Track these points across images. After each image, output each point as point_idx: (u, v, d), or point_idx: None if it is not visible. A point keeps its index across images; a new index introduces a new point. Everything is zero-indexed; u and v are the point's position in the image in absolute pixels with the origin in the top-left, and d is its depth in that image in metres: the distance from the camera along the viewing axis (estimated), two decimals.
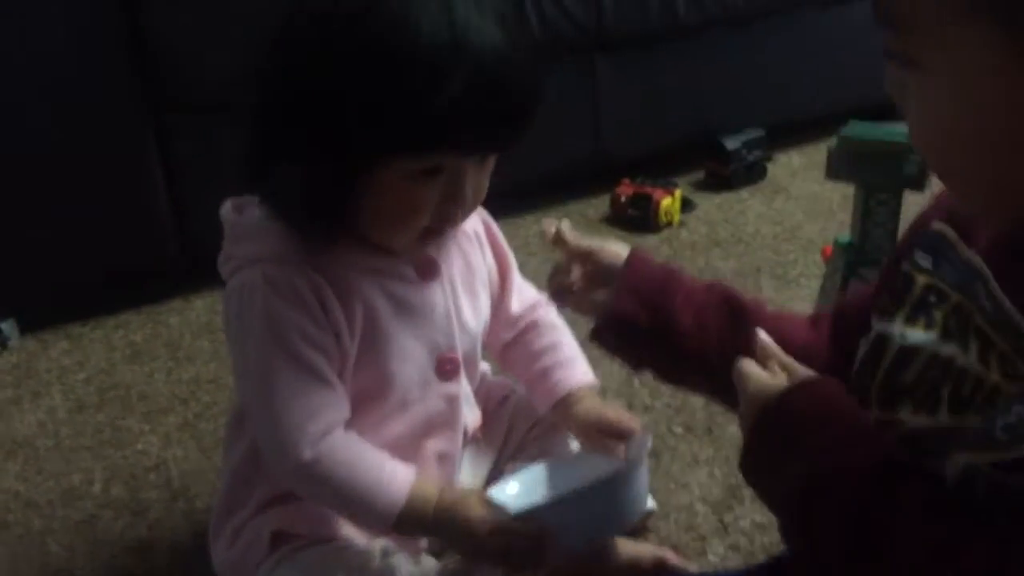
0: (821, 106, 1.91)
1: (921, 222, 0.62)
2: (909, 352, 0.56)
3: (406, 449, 0.84)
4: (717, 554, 0.95)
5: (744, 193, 1.78)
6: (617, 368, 1.24)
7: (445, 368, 0.85)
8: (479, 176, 0.78)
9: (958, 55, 0.47)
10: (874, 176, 1.14)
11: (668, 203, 1.65)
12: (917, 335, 0.56)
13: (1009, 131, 0.47)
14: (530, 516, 0.77)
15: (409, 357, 0.83)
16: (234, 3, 1.38)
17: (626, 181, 1.70)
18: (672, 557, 0.88)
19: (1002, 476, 0.48)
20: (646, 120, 1.78)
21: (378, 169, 0.72)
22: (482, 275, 0.90)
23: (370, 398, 0.82)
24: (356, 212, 0.76)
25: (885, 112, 2.09)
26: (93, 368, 1.35)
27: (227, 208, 0.85)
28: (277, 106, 0.74)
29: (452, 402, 0.86)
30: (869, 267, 1.18)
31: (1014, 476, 0.48)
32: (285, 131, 0.73)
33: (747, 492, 1.03)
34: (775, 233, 1.63)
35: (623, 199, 1.67)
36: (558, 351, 0.93)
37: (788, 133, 1.91)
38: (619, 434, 0.86)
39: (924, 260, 0.58)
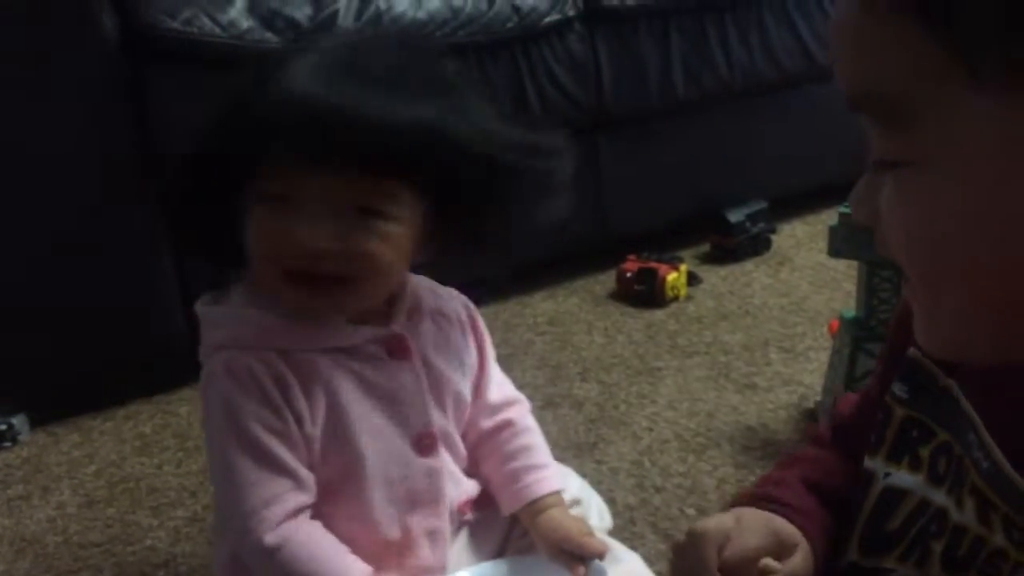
0: (822, 177, 1.93)
1: (896, 342, 0.58)
2: (895, 493, 0.53)
3: (393, 527, 0.84)
4: None
5: (749, 265, 1.79)
6: (628, 448, 1.24)
7: (422, 444, 0.85)
8: (341, 221, 0.76)
9: (959, 133, 0.39)
10: (875, 253, 1.14)
11: (674, 277, 1.66)
12: (902, 476, 0.53)
13: (1017, 232, 0.39)
14: None
15: (380, 436, 0.83)
16: None
17: (631, 257, 1.71)
18: None
19: None
20: (649, 196, 1.80)
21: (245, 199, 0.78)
22: (465, 357, 0.91)
23: (347, 479, 0.82)
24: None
25: None
26: (103, 461, 1.35)
27: (201, 301, 0.87)
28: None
29: (433, 477, 0.86)
30: (875, 343, 1.17)
31: None
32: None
33: None
34: (782, 305, 1.63)
35: (629, 275, 1.68)
36: (531, 455, 0.93)
37: (791, 204, 1.93)
38: (581, 553, 0.85)
39: (901, 390, 0.55)
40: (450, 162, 0.77)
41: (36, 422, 1.43)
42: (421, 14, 1.49)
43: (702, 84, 1.76)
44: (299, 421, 0.80)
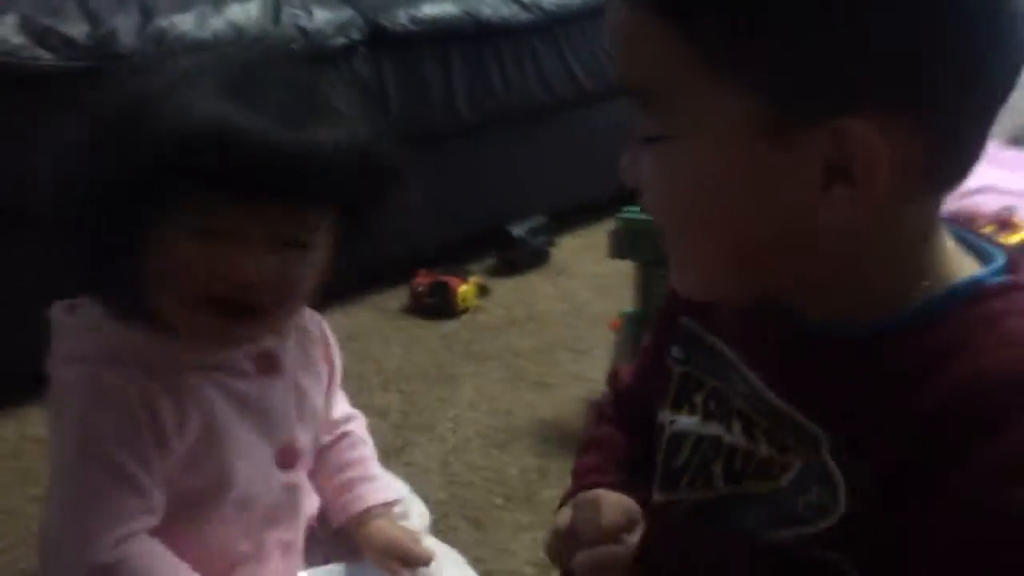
0: (593, 193, 2.10)
1: (668, 315, 0.67)
2: (678, 436, 0.62)
3: (248, 541, 0.84)
4: None
5: (532, 276, 1.90)
6: (435, 449, 1.30)
7: (285, 458, 0.86)
8: (278, 253, 0.76)
9: (710, 123, 0.48)
10: (652, 253, 1.27)
11: (464, 289, 1.74)
12: (683, 421, 0.62)
13: (750, 201, 0.48)
14: None
15: (250, 452, 0.83)
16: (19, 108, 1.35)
17: (422, 271, 1.77)
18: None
19: (808, 549, 0.51)
20: (437, 213, 1.87)
21: (164, 231, 0.74)
22: (322, 374, 0.92)
23: (209, 496, 0.81)
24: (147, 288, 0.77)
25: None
26: None
27: (57, 308, 0.84)
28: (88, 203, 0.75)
29: (292, 491, 0.87)
30: None
31: (813, 549, 0.51)
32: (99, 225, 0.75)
33: None
34: (564, 311, 1.75)
35: (421, 288, 1.74)
36: (364, 466, 0.95)
37: (565, 218, 2.07)
38: (408, 561, 0.89)
39: (678, 352, 0.64)
40: (376, 182, 0.79)
41: None
42: (205, 33, 1.49)
43: (483, 107, 1.86)
44: (163, 438, 0.78)
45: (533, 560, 1.08)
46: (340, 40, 1.65)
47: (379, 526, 0.92)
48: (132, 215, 0.73)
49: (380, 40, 1.71)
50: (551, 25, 1.94)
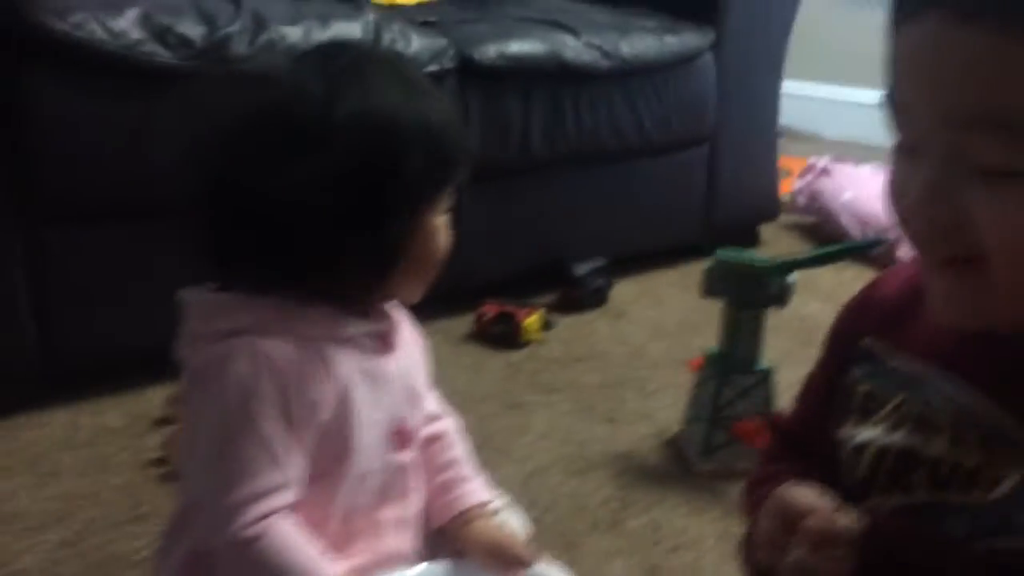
0: (652, 240, 2.13)
1: (841, 341, 0.71)
2: (859, 449, 0.64)
3: (363, 518, 0.86)
4: None
5: (591, 315, 1.92)
6: (513, 472, 1.30)
7: (399, 439, 0.88)
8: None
9: None
10: (743, 294, 1.30)
11: (530, 321, 1.75)
12: (866, 433, 0.64)
13: None
14: None
15: (373, 427, 0.85)
16: (120, 122, 1.37)
17: (488, 301, 1.79)
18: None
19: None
20: (502, 245, 1.90)
21: (425, 218, 0.82)
22: (421, 362, 0.95)
23: (334, 468, 0.83)
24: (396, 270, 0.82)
25: (698, 249, 2.35)
26: None
27: (191, 292, 0.85)
28: (291, 200, 0.77)
29: (403, 472, 0.89)
30: (739, 374, 1.32)
31: None
32: (305, 218, 0.77)
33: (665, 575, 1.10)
34: (626, 352, 1.77)
35: (487, 317, 1.75)
36: (462, 467, 0.97)
37: (622, 263, 2.09)
38: (512, 561, 0.90)
39: (861, 372, 0.67)
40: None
41: None
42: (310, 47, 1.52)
43: (556, 146, 1.89)
44: (311, 410, 0.80)
45: None
46: (433, 67, 1.68)
47: (482, 526, 0.93)
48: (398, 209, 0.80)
49: (469, 70, 1.75)
50: (627, 75, 1.98)
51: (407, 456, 0.89)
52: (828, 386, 0.73)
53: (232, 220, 0.80)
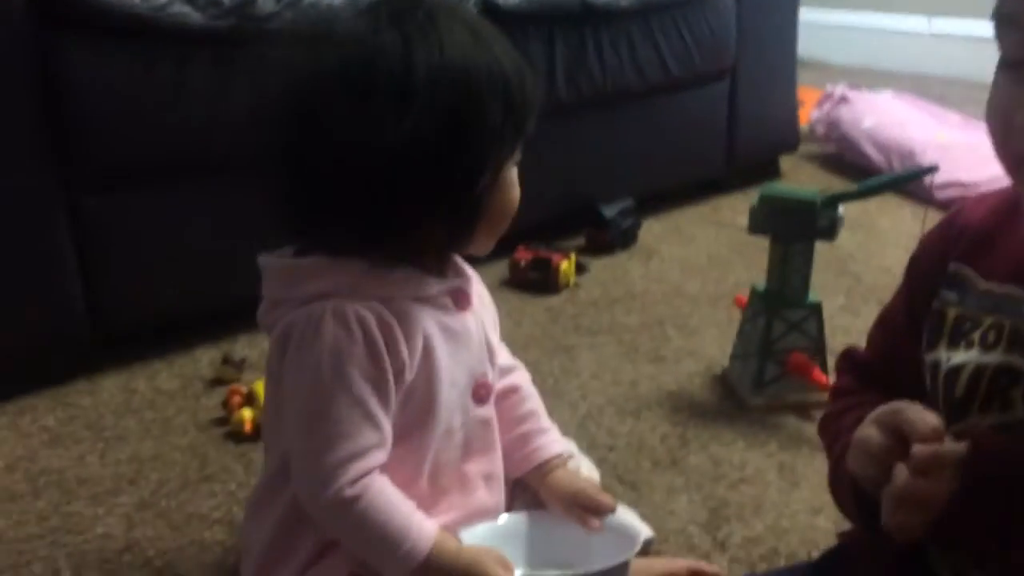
0: (678, 178, 2.13)
1: (931, 261, 0.73)
2: (954, 371, 0.66)
3: (451, 473, 0.88)
4: (721, 568, 1.03)
5: (622, 257, 1.93)
6: (569, 415, 1.32)
7: (480, 393, 0.90)
8: None
9: None
10: (793, 229, 1.30)
11: (566, 266, 1.76)
12: (959, 356, 0.66)
13: None
14: None
15: (455, 383, 0.87)
16: (155, 84, 1.36)
17: (521, 247, 1.79)
18: (706, 568, 0.95)
19: None
20: (531, 191, 1.89)
21: (500, 167, 0.83)
22: (493, 315, 0.96)
23: (420, 425, 0.85)
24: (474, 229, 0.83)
25: (718, 184, 2.35)
26: (10, 456, 1.24)
27: (273, 256, 0.86)
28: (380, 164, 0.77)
29: (486, 425, 0.91)
30: (788, 309, 1.33)
31: None
32: (404, 182, 0.78)
33: (729, 511, 1.13)
34: (662, 290, 1.78)
35: (523, 263, 1.76)
36: (539, 419, 0.99)
37: (649, 202, 2.09)
38: (595, 509, 0.92)
39: (950, 296, 0.69)
40: None
41: None
42: (337, 0, 1.50)
43: (580, 87, 1.88)
44: (399, 370, 0.81)
45: (695, 520, 1.11)
46: None
47: (562, 476, 0.95)
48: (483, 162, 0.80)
49: (492, 15, 1.72)
50: (647, 12, 1.96)
51: (490, 410, 0.91)
52: (910, 315, 0.74)
53: (315, 182, 0.80)
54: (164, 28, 1.35)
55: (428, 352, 0.84)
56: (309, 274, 0.83)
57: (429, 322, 0.85)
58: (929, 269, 0.73)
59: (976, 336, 0.66)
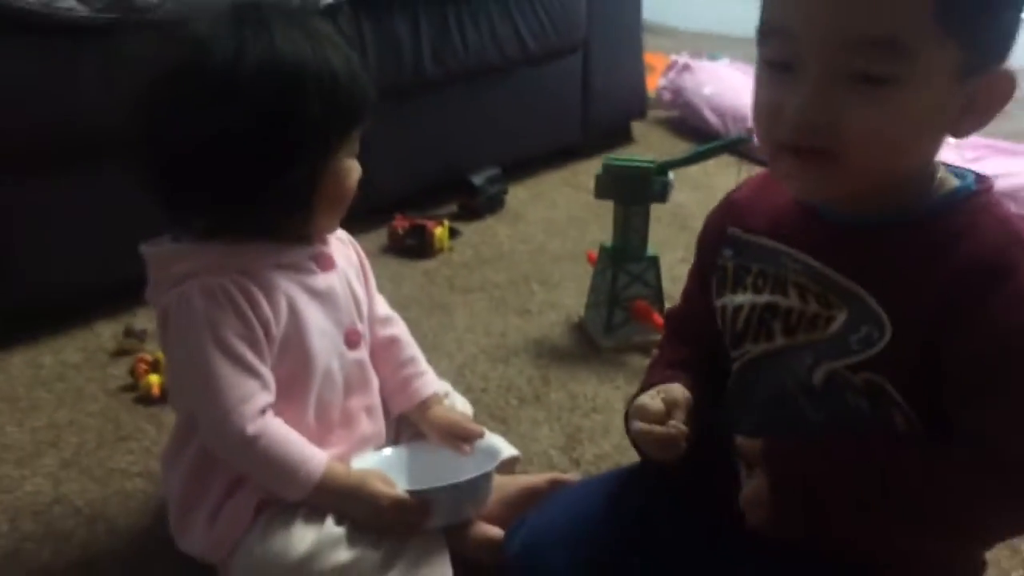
0: (540, 146, 2.33)
1: (713, 231, 0.91)
2: (736, 310, 0.85)
3: (335, 410, 1.05)
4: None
5: (491, 221, 2.11)
6: (447, 365, 1.50)
7: (351, 340, 1.06)
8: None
9: (930, 70, 0.66)
10: (631, 194, 1.51)
11: (440, 232, 1.93)
12: (739, 298, 0.85)
13: (934, 125, 0.69)
14: (419, 495, 1.00)
15: (324, 334, 1.03)
16: (47, 75, 1.45)
17: (399, 216, 1.95)
18: (563, 477, 1.15)
19: (851, 374, 0.76)
20: (403, 163, 2.05)
21: (332, 161, 0.97)
22: (359, 271, 1.13)
23: (298, 373, 1.01)
24: (311, 207, 0.98)
25: (577, 150, 2.58)
26: None
27: (152, 244, 1.01)
28: (224, 148, 0.91)
29: (362, 366, 1.08)
30: (630, 263, 1.55)
31: (859, 373, 0.75)
32: (236, 165, 0.92)
33: (583, 435, 1.34)
34: (527, 250, 1.97)
35: (401, 231, 1.92)
36: (417, 364, 1.17)
37: (516, 170, 2.28)
38: (466, 436, 1.11)
39: (728, 253, 0.88)
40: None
41: None
42: None
43: (446, 64, 2.04)
44: (266, 327, 0.97)
45: (554, 445, 1.31)
46: (327, 0, 1.79)
47: (438, 411, 1.14)
48: (310, 154, 0.94)
49: (360, 1, 1.86)
50: None
51: (362, 353, 1.08)
52: (700, 277, 0.94)
53: (161, 169, 0.95)
54: (54, 22, 1.44)
55: (293, 309, 1.00)
56: (178, 257, 0.98)
57: (290, 284, 1.00)
58: (713, 239, 0.91)
59: (749, 281, 0.85)
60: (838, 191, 0.75)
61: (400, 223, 1.93)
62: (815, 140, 0.70)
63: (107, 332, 1.59)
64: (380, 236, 1.96)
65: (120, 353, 1.52)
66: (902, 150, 0.71)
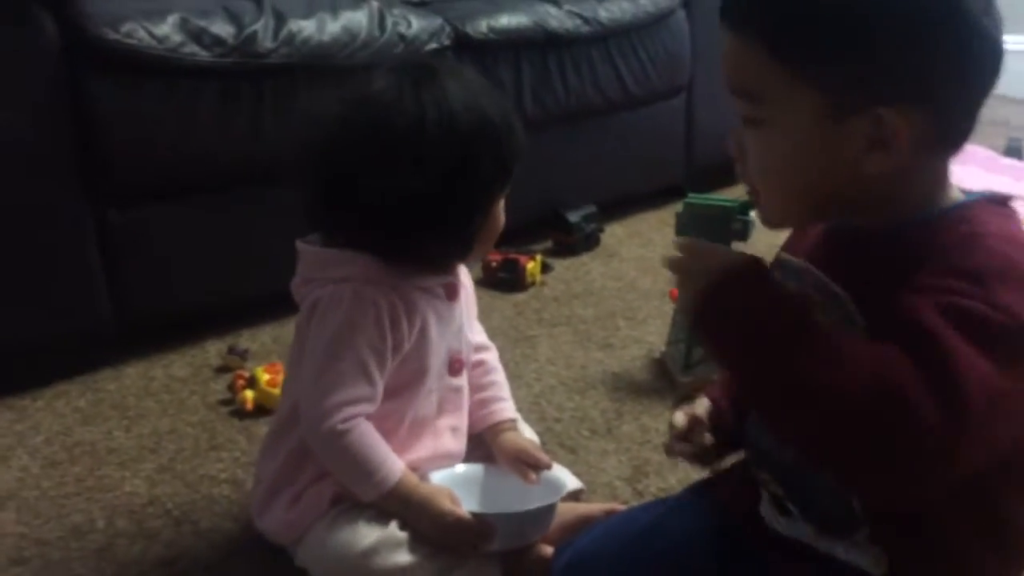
0: (637, 186, 2.36)
1: (775, 258, 0.93)
2: None
3: (428, 423, 1.12)
4: None
5: (585, 258, 2.15)
6: (525, 394, 1.54)
7: (454, 366, 1.14)
8: None
9: (792, 112, 0.72)
10: (712, 232, 1.52)
11: (532, 266, 1.98)
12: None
13: (818, 161, 0.74)
14: (483, 518, 1.04)
15: (438, 355, 1.11)
16: (170, 114, 1.59)
17: (493, 250, 2.01)
18: (619, 507, 1.17)
19: None
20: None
21: (492, 202, 1.07)
22: (471, 304, 1.20)
23: (411, 383, 1.09)
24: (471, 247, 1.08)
25: (680, 190, 2.60)
26: (49, 431, 1.47)
27: (307, 242, 1.11)
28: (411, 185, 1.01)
29: (458, 391, 1.15)
30: None
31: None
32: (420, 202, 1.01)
33: (650, 468, 1.35)
34: (618, 287, 2.00)
35: (494, 264, 1.98)
36: (497, 389, 1.23)
37: (611, 208, 2.31)
38: (533, 464, 1.15)
39: (776, 275, 0.89)
40: None
41: None
42: (325, 37, 1.73)
43: (546, 107, 2.10)
44: (399, 344, 1.06)
45: (620, 476, 1.33)
46: (432, 44, 1.89)
47: (510, 436, 1.19)
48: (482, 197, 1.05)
49: (464, 45, 1.95)
50: (606, 37, 2.18)
51: (461, 380, 1.15)
52: None
53: (342, 208, 1.04)
54: (177, 66, 1.58)
55: (423, 330, 1.09)
56: (337, 261, 1.07)
57: (427, 308, 1.09)
58: (773, 264, 0.94)
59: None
60: (781, 221, 0.80)
61: (493, 256, 1.99)
62: (742, 174, 0.79)
63: (214, 350, 1.71)
64: (474, 269, 2.02)
65: (223, 369, 1.63)
66: (791, 183, 0.76)
